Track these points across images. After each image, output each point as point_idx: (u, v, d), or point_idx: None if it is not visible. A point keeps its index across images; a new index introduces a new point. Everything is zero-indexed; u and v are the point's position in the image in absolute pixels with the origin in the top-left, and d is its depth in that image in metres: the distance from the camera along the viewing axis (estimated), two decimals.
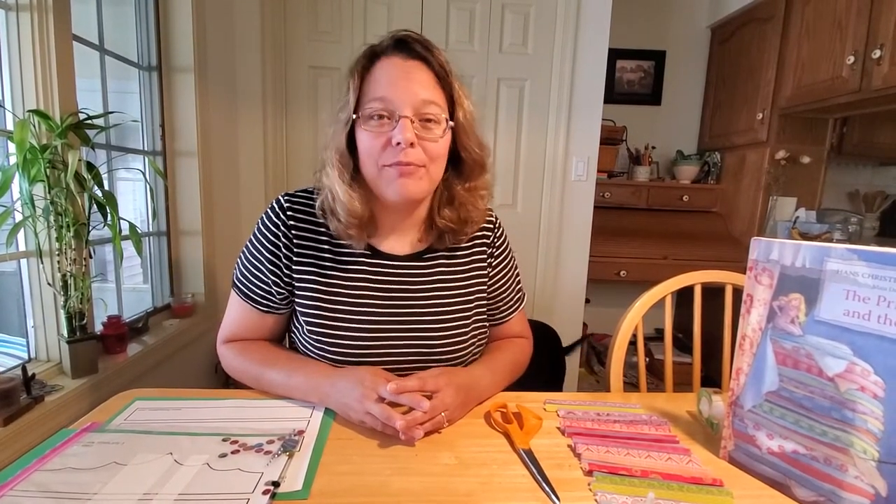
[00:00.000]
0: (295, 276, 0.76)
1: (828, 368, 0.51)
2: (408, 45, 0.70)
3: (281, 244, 0.76)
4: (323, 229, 0.76)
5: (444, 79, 0.72)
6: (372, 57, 0.71)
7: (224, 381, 1.81)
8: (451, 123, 0.72)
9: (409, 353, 0.76)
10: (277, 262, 0.76)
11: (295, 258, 0.76)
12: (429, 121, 0.69)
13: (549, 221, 2.15)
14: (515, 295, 0.90)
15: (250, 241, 0.79)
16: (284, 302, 0.79)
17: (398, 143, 0.67)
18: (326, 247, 0.77)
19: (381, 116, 0.68)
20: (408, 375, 0.68)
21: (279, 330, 0.83)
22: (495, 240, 0.86)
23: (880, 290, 0.47)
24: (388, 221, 0.78)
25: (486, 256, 0.84)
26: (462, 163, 0.77)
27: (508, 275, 0.88)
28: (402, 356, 0.76)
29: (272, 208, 0.77)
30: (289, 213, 0.76)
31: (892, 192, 2.33)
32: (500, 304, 0.88)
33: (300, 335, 0.79)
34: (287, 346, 0.88)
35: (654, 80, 2.71)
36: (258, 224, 0.78)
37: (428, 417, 0.62)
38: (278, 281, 0.76)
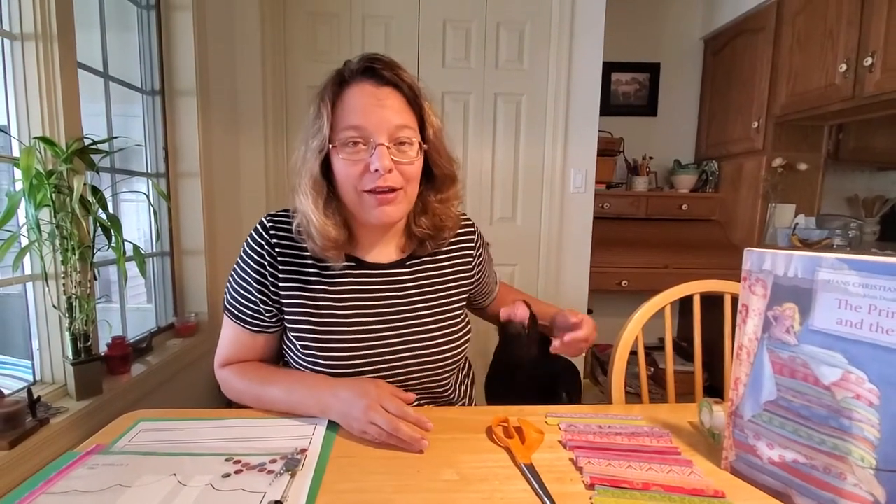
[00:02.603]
0: (282, 293, 0.77)
1: (823, 377, 0.51)
2: (376, 71, 0.72)
3: (266, 263, 0.77)
4: (306, 245, 0.78)
5: (413, 101, 0.74)
6: (341, 83, 0.73)
7: (227, 400, 1.81)
8: (425, 147, 0.75)
9: (402, 358, 0.78)
10: (264, 280, 0.77)
11: (281, 275, 0.77)
12: (402, 143, 0.72)
13: (549, 234, 2.16)
14: (493, 277, 1.02)
15: (237, 263, 0.80)
16: (274, 320, 0.80)
17: (376, 170, 0.69)
18: (310, 261, 0.78)
19: (356, 143, 0.71)
20: (401, 384, 0.71)
21: (272, 350, 0.84)
22: (477, 245, 0.92)
23: (871, 298, 0.48)
24: (369, 237, 0.81)
25: (471, 259, 0.89)
26: (434, 177, 0.80)
27: (487, 267, 0.98)
28: (395, 361, 0.78)
29: (256, 230, 0.79)
30: (272, 232, 0.78)
31: (891, 196, 2.33)
32: (485, 288, 0.99)
33: (293, 353, 0.80)
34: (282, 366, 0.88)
35: (650, 92, 2.74)
36: (244, 246, 0.80)
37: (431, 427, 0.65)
38: (266, 300, 0.78)
